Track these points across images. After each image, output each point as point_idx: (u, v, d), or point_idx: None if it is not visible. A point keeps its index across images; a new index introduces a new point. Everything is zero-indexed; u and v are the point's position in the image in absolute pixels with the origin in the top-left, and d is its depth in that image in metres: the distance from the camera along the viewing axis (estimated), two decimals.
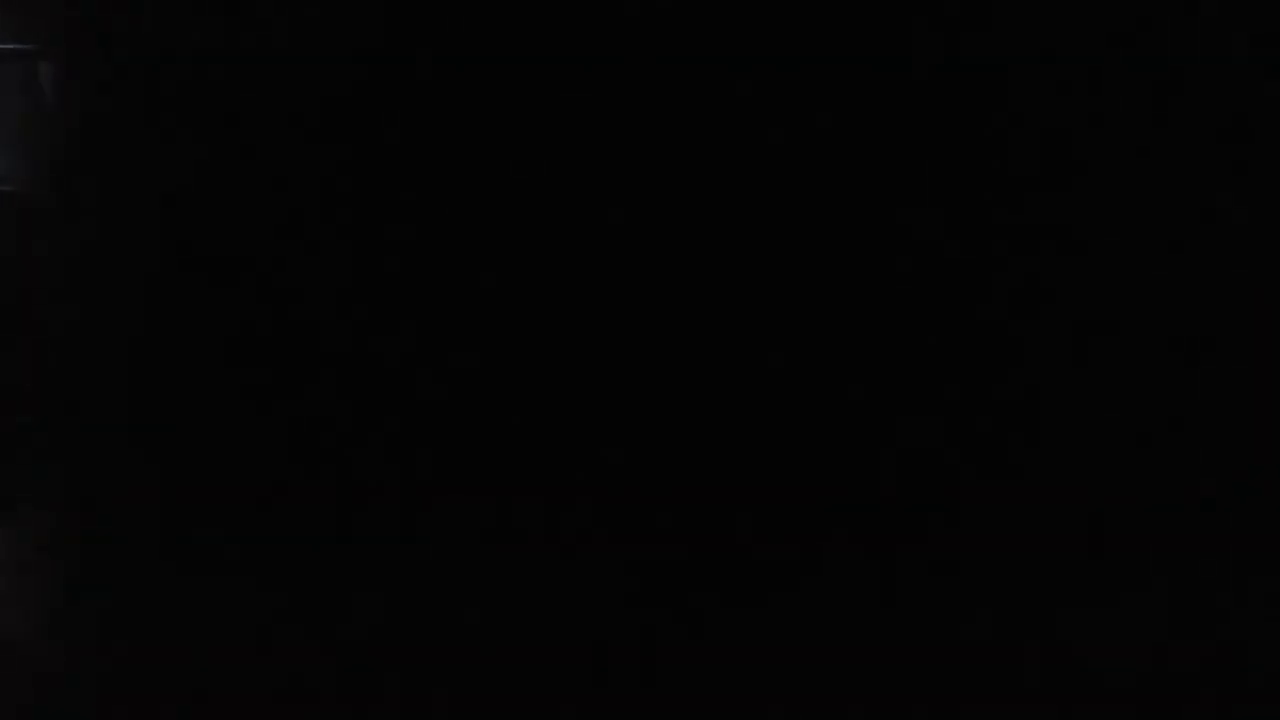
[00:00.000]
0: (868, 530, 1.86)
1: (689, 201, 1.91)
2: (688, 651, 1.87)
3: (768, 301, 1.90)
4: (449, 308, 1.94)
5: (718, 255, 1.92)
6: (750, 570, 1.87)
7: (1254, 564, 1.83)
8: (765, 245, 1.91)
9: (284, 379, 1.92)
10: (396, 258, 1.93)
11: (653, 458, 1.89)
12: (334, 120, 1.93)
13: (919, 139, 1.90)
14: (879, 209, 1.89)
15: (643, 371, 1.91)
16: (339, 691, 1.89)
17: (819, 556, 1.86)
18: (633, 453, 1.90)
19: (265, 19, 1.92)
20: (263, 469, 1.91)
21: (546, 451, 1.91)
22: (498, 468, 1.91)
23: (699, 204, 1.92)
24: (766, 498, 1.88)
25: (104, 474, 1.93)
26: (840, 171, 1.90)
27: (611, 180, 1.92)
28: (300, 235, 1.92)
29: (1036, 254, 1.88)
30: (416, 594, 1.91)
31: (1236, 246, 1.87)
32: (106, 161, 1.92)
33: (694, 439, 1.89)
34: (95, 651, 1.91)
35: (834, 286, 1.89)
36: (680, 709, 1.87)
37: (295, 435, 1.91)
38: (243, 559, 1.91)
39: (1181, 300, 1.87)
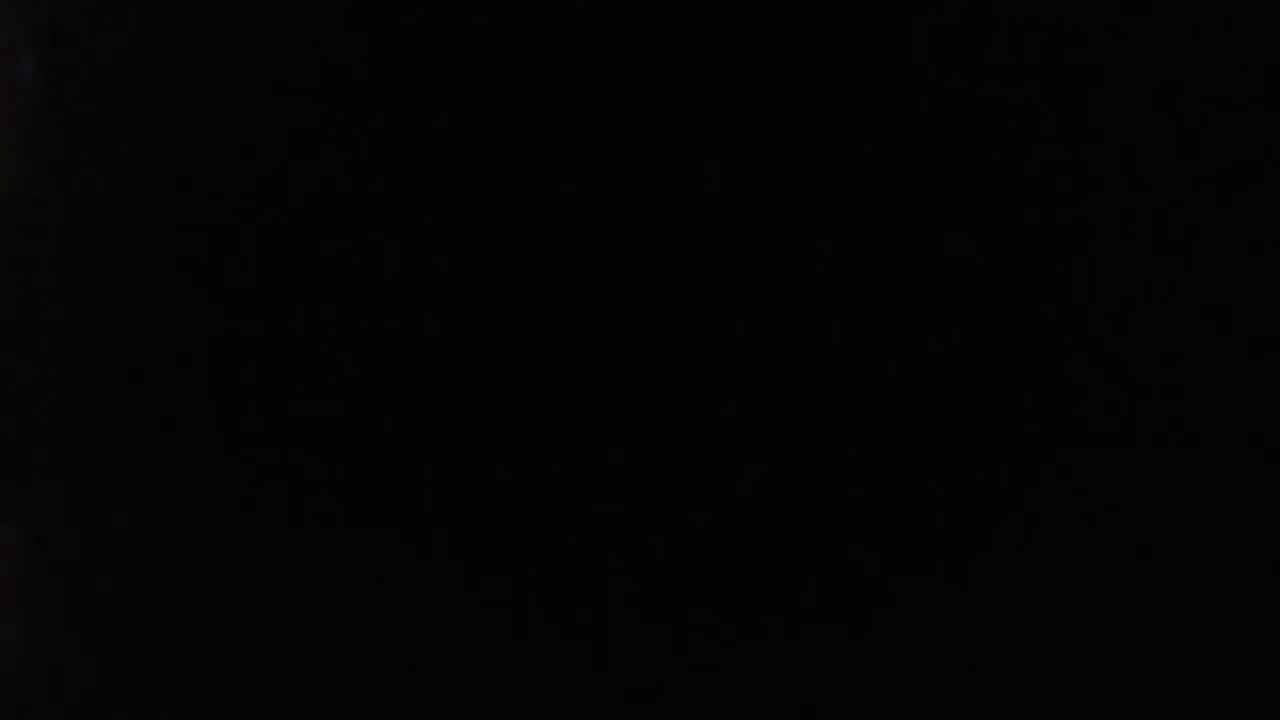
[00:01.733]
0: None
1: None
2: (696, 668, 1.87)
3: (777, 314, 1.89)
4: (452, 309, 1.93)
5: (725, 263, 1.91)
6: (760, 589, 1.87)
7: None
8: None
9: (283, 382, 1.91)
10: (395, 259, 1.92)
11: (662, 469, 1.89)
12: (327, 119, 1.92)
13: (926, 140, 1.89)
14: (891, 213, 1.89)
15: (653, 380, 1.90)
16: (337, 694, 1.89)
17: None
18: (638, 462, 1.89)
19: (254, 15, 1.92)
20: (263, 472, 1.90)
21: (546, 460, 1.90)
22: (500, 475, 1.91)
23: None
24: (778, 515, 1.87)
25: (102, 478, 1.92)
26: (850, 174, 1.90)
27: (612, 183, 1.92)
28: (295, 234, 1.92)
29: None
30: (418, 600, 1.90)
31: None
32: (91, 160, 1.92)
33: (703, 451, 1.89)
34: (91, 658, 1.90)
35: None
36: None
37: (296, 439, 1.91)
38: (243, 564, 1.90)
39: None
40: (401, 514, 1.88)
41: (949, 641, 1.84)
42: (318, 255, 1.90)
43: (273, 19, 1.93)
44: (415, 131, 1.91)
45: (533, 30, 1.91)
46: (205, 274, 1.91)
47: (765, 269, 1.89)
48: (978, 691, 1.85)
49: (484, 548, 1.88)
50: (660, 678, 1.86)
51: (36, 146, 1.92)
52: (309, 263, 1.90)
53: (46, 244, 1.92)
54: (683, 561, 1.87)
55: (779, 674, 1.85)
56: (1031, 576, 1.83)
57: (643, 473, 1.87)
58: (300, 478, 1.89)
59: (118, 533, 1.91)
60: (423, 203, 1.91)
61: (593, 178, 1.90)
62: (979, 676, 1.85)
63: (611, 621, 1.87)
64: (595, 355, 1.89)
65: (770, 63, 1.90)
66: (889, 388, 1.86)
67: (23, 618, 1.91)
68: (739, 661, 1.86)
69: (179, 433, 1.91)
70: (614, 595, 1.87)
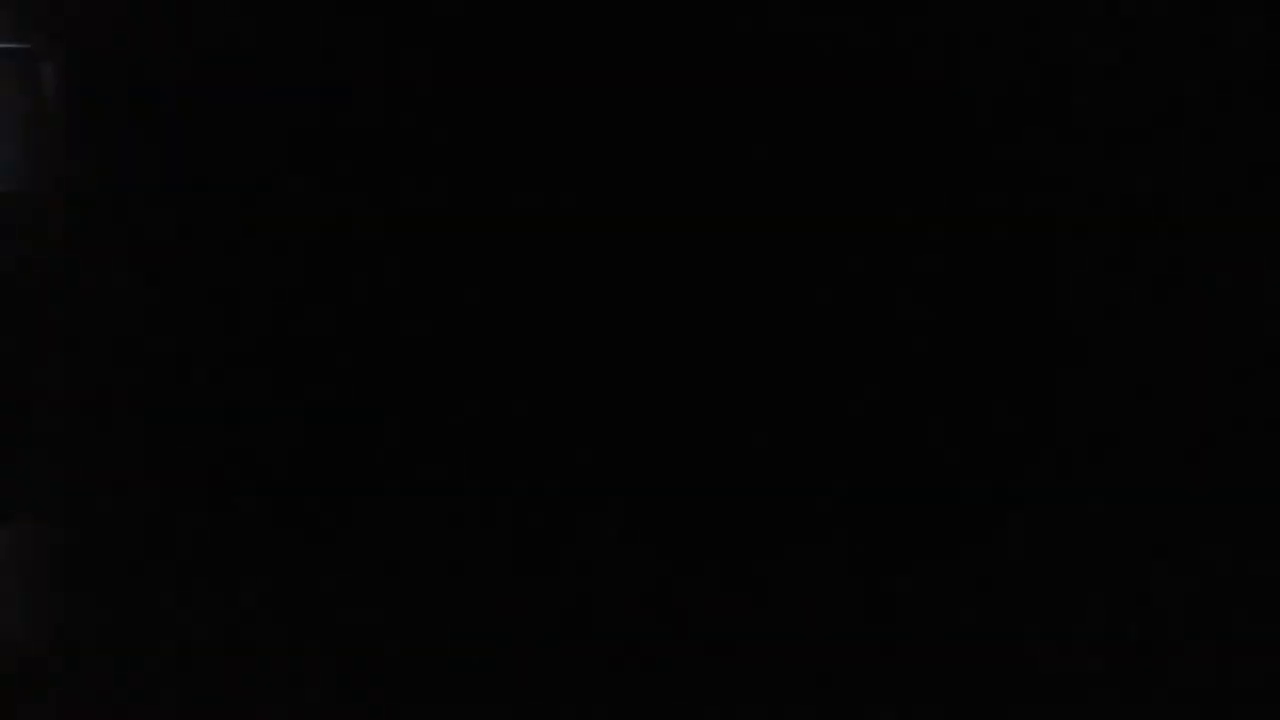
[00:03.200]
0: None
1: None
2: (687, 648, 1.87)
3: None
4: (454, 313, 1.95)
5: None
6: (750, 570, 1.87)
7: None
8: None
9: (286, 383, 1.92)
10: (398, 261, 1.94)
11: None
12: (333, 118, 1.94)
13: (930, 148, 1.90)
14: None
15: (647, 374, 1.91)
16: (336, 692, 1.89)
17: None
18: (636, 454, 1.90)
19: (264, 18, 1.94)
20: (263, 473, 1.91)
21: (550, 452, 1.91)
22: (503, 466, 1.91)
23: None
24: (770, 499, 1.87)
25: (104, 479, 1.93)
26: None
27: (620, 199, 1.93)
28: (298, 232, 1.93)
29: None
30: (416, 594, 1.91)
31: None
32: (106, 160, 1.94)
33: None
34: (94, 656, 1.91)
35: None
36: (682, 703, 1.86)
37: (296, 442, 1.92)
38: (242, 563, 1.91)
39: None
40: (401, 513, 1.89)
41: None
42: (325, 256, 1.92)
43: (288, 25, 1.96)
44: (420, 133, 1.93)
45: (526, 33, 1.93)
46: (214, 274, 1.93)
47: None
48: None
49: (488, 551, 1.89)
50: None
51: (57, 148, 1.94)
52: (317, 265, 1.92)
53: (61, 243, 1.95)
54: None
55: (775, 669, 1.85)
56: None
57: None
58: (307, 477, 1.90)
59: (123, 531, 1.92)
60: (427, 205, 1.93)
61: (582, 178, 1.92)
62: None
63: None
64: (601, 360, 1.90)
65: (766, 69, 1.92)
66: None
67: (33, 615, 1.92)
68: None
69: (183, 433, 1.92)
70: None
